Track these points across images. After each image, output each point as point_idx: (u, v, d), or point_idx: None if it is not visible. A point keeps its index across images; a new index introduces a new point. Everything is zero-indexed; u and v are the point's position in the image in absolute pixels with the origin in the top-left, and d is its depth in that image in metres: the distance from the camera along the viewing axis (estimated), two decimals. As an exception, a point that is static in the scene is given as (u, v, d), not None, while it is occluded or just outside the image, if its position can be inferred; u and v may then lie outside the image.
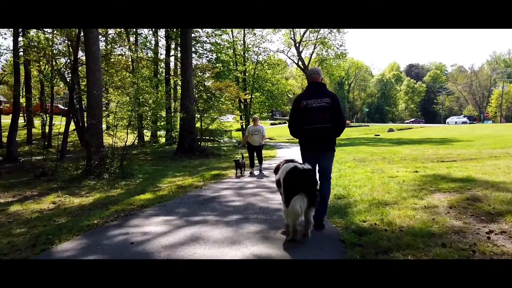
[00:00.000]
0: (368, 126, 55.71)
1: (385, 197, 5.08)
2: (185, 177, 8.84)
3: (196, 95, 25.48)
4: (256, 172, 9.34)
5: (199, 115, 17.71)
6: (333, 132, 3.97)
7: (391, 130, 47.92)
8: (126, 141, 11.38)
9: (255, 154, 9.49)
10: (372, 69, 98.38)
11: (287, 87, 42.98)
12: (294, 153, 17.14)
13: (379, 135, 35.92)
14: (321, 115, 3.84)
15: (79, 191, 7.78)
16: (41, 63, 17.44)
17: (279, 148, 21.67)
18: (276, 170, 4.25)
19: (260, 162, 9.73)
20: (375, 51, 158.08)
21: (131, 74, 14.81)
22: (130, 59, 20.21)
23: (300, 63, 45.05)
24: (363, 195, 5.36)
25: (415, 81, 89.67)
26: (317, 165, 4.02)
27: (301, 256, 3.14)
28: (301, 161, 3.94)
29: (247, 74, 37.66)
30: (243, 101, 38.29)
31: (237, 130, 43.13)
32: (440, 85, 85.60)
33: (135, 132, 15.10)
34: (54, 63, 16.80)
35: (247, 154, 9.66)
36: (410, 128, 51.20)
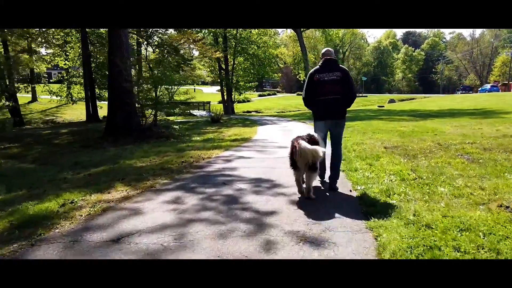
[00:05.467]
0: (367, 97, 50.26)
1: None
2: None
3: (153, 55, 19.40)
4: None
5: (148, 84, 11.80)
6: (343, 103, 4.10)
7: (392, 100, 42.81)
8: None
9: None
10: (367, 36, 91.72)
11: (275, 52, 36.37)
12: (277, 133, 11.68)
13: (383, 106, 30.64)
14: (332, 87, 4.00)
15: None
16: None
17: (263, 124, 16.10)
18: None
19: None
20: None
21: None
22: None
23: (291, 22, 38.59)
24: None
25: (413, 48, 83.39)
26: (328, 132, 4.27)
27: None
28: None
29: (227, 34, 31.04)
30: (223, 67, 32.15)
31: (219, 102, 37.03)
32: (439, 52, 79.78)
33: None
34: None
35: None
36: (413, 99, 46.10)
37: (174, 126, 11.44)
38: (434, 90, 74.51)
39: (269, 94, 57.69)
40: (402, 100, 45.19)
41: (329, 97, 3.99)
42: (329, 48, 4.34)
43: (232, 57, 32.46)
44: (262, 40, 33.00)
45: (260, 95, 54.27)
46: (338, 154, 4.17)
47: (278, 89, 74.45)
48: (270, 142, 8.84)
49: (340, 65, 4.13)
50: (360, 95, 54.56)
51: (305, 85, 4.24)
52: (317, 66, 4.20)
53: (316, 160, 3.44)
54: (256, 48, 32.67)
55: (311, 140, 3.65)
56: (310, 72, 4.18)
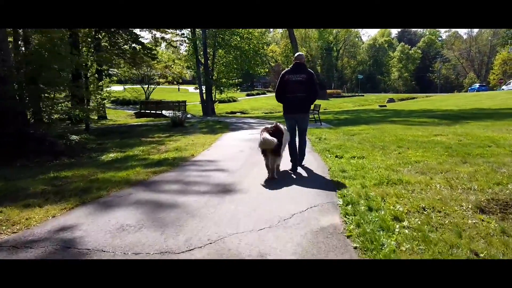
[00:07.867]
0: (363, 96, 46.39)
1: None
2: None
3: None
4: None
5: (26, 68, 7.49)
6: (307, 100, 4.96)
7: (391, 100, 39.04)
8: None
9: None
10: (362, 34, 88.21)
11: (262, 45, 32.08)
12: (243, 145, 7.11)
13: (385, 105, 26.76)
14: (299, 87, 4.82)
15: None
16: None
17: (236, 129, 11.90)
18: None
19: None
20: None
21: None
22: None
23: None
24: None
25: (409, 46, 79.86)
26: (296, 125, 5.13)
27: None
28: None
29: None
30: (202, 61, 27.85)
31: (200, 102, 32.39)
32: (436, 51, 76.63)
33: None
34: None
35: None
36: (414, 98, 42.41)
37: (72, 137, 7.19)
38: (431, 89, 71.12)
39: (258, 94, 53.35)
40: (402, 99, 41.47)
41: (296, 95, 4.85)
42: (301, 53, 5.20)
43: (211, 49, 28.24)
44: (246, 30, 28.78)
45: (248, 95, 49.94)
46: (303, 142, 5.09)
47: (269, 88, 70.23)
48: (215, 169, 4.67)
49: (307, 69, 4.95)
50: (356, 94, 50.78)
51: (277, 83, 5.02)
52: (288, 68, 5.03)
53: (271, 147, 4.16)
54: (239, 39, 28.47)
55: (276, 129, 4.45)
56: (282, 72, 5.03)
